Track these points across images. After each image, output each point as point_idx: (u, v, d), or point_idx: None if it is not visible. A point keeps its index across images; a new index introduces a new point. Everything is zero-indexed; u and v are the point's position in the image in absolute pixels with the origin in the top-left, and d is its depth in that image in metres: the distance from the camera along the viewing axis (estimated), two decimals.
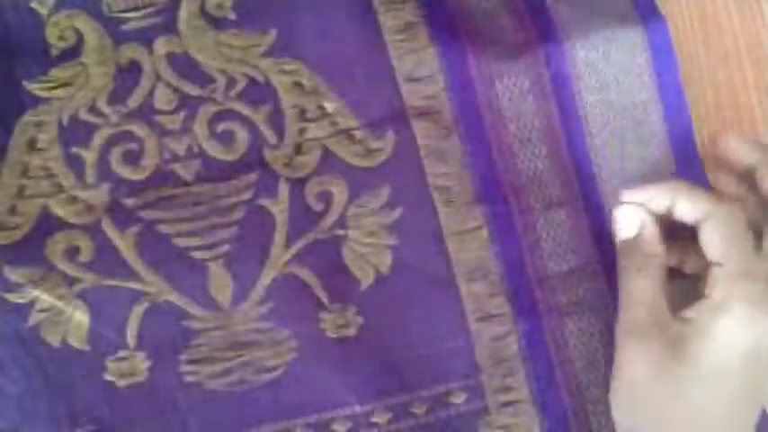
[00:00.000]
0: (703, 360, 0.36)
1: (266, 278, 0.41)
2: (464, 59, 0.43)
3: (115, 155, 0.42)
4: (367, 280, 0.42)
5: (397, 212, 0.42)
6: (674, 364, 0.36)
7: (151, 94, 0.42)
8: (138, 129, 0.42)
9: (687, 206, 0.38)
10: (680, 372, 0.36)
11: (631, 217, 0.40)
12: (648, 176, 0.43)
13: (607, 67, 0.43)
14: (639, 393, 0.37)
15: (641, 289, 0.38)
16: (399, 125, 0.43)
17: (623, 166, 0.44)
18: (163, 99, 0.42)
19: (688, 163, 0.44)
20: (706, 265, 0.37)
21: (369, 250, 0.42)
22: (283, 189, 0.42)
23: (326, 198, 0.42)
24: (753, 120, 0.46)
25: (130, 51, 0.42)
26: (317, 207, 0.42)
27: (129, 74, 0.42)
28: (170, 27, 0.42)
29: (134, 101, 0.42)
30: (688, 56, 0.45)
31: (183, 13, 0.42)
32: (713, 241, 0.37)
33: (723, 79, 0.46)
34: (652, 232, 0.39)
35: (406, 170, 0.43)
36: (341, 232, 0.42)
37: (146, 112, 0.42)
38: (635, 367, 0.37)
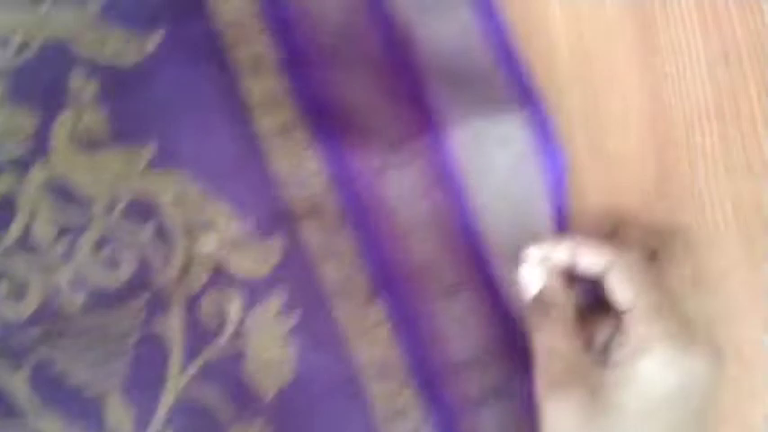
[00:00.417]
0: (629, 405, 0.36)
1: (165, 405, 0.40)
2: (345, 156, 0.42)
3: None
4: (270, 392, 0.41)
5: (294, 318, 0.42)
6: (600, 414, 0.36)
7: (29, 225, 0.40)
8: (18, 264, 0.40)
9: (587, 260, 0.39)
10: (607, 421, 0.36)
11: (533, 273, 0.40)
12: None
13: (489, 150, 0.43)
14: None
15: (552, 343, 0.38)
16: (286, 228, 0.42)
17: (516, 246, 0.43)
18: (41, 230, 0.40)
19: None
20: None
21: (269, 360, 0.41)
22: (175, 309, 0.41)
23: (221, 313, 0.41)
24: (753, 120, 0.46)
25: (5, 184, 0.41)
26: (213, 323, 0.41)
27: (5, 207, 0.41)
28: (44, 154, 0.41)
29: (12, 234, 0.40)
30: (688, 56, 0.46)
31: (56, 138, 0.41)
32: (620, 290, 0.38)
33: (723, 79, 0.46)
34: (553, 285, 0.40)
35: (299, 273, 0.42)
36: (239, 346, 0.41)
37: (25, 246, 0.40)
38: (561, 422, 0.37)
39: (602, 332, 0.40)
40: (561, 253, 0.40)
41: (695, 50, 0.47)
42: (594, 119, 0.47)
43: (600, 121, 0.47)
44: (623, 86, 0.47)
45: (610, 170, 0.47)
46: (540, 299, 0.40)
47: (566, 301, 0.40)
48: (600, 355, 0.39)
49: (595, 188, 0.45)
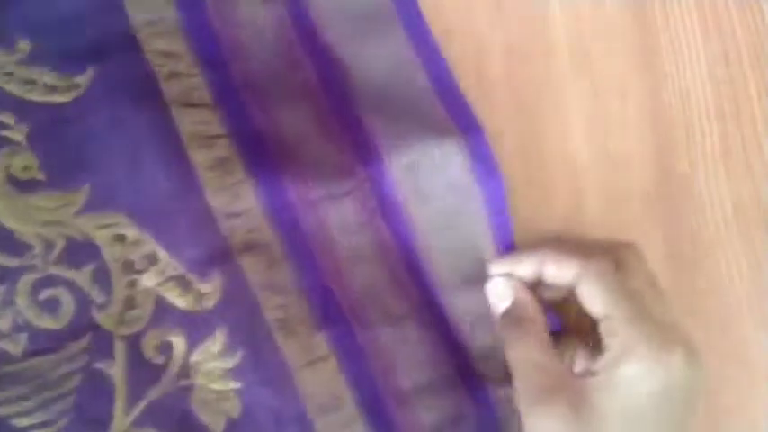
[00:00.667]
0: (613, 412, 0.36)
1: None
2: (282, 188, 0.41)
3: None
4: (218, 427, 0.41)
5: (239, 354, 0.41)
6: (585, 423, 0.36)
7: None
8: None
9: (555, 271, 0.39)
10: (593, 429, 0.35)
11: (501, 288, 0.40)
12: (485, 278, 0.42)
13: (428, 178, 0.42)
14: None
15: (528, 356, 0.38)
16: (225, 264, 0.41)
17: (460, 272, 0.43)
18: None
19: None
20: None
21: (216, 397, 0.41)
22: (119, 348, 0.41)
23: (166, 349, 0.41)
24: (753, 120, 0.47)
25: None
26: (158, 360, 0.41)
27: None
28: None
29: None
30: (688, 56, 0.47)
31: None
32: (593, 299, 0.38)
33: (723, 79, 0.47)
34: (524, 298, 0.40)
35: (241, 309, 0.41)
36: (186, 383, 0.41)
37: None
38: (547, 429, 0.36)
39: (568, 343, 0.41)
40: (527, 266, 0.40)
41: (695, 50, 0.47)
42: (594, 119, 0.46)
43: (600, 121, 0.46)
44: (623, 86, 0.47)
45: (610, 170, 0.46)
46: (510, 313, 0.40)
47: (537, 313, 0.40)
48: (572, 365, 0.39)
49: (595, 188, 0.45)
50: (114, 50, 0.42)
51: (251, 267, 0.42)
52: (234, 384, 0.41)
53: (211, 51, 0.42)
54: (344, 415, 0.42)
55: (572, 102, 0.46)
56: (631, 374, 0.36)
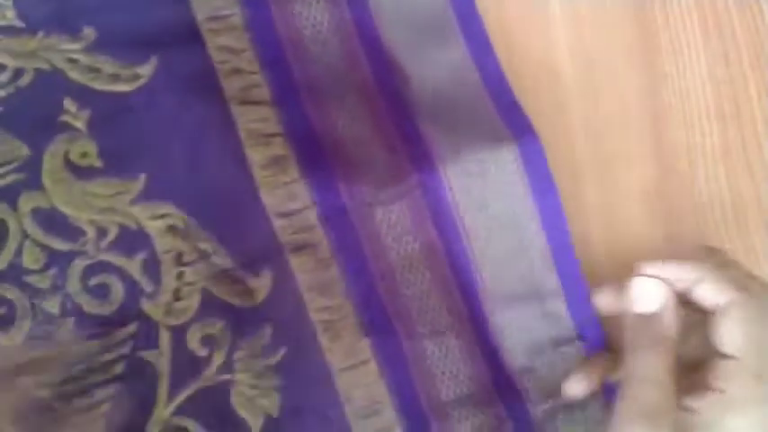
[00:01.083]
0: None
1: None
2: (336, 191, 0.42)
3: None
4: (257, 424, 0.41)
5: (282, 351, 0.41)
6: None
7: (18, 253, 0.40)
8: (8, 291, 0.40)
9: (712, 290, 0.36)
10: None
11: (652, 291, 0.38)
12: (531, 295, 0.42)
13: (483, 186, 0.42)
14: None
15: (654, 368, 0.36)
16: (275, 262, 0.42)
17: (507, 286, 0.43)
18: (31, 258, 0.40)
19: (568, 268, 0.43)
20: (706, 352, 0.36)
21: (256, 393, 0.41)
22: (164, 338, 0.41)
23: (210, 343, 0.41)
24: (753, 120, 0.47)
25: None
26: (201, 353, 0.41)
27: None
28: (34, 182, 0.41)
29: (1, 262, 0.40)
30: (688, 56, 0.46)
31: (47, 167, 0.41)
32: (733, 333, 0.35)
33: (723, 79, 0.46)
34: (670, 311, 0.37)
35: (287, 307, 0.42)
36: (227, 377, 0.41)
37: (14, 273, 0.41)
38: None
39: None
40: (684, 276, 0.37)
41: (695, 50, 0.47)
42: (594, 119, 0.46)
43: (600, 121, 0.47)
44: (623, 86, 0.47)
45: (610, 170, 0.46)
46: (651, 322, 0.37)
47: (675, 333, 0.37)
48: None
49: (596, 188, 0.45)
50: (177, 43, 0.42)
51: (299, 267, 0.42)
52: (275, 381, 0.42)
53: (273, 50, 0.43)
54: (383, 420, 0.42)
55: (572, 102, 0.46)
56: (737, 428, 0.34)
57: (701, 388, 0.35)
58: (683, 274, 0.37)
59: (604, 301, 0.40)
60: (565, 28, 0.47)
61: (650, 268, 0.38)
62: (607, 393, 0.42)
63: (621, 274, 0.43)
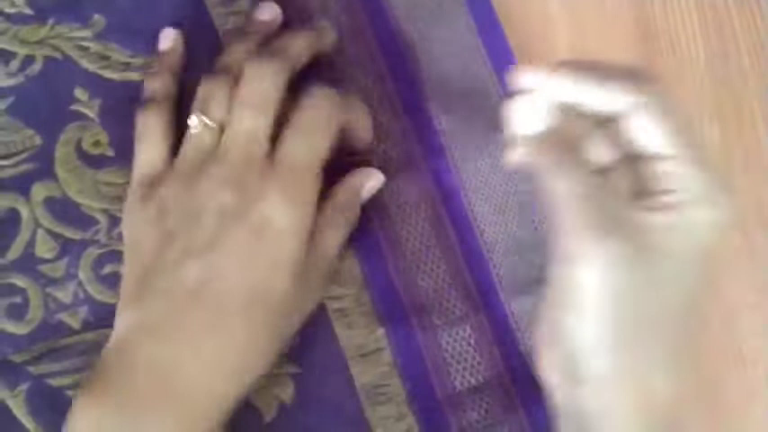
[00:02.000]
0: (677, 251, 0.32)
1: None
2: (373, 233, 0.43)
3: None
4: (270, 411, 0.41)
5: (296, 339, 0.41)
6: (647, 263, 0.31)
7: (31, 242, 0.40)
8: (20, 280, 0.40)
9: (601, 97, 0.32)
10: (656, 268, 0.31)
11: (534, 107, 0.34)
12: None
13: (490, 169, 0.43)
14: (617, 299, 0.32)
15: (572, 188, 0.32)
16: None
17: (520, 273, 0.43)
18: (44, 247, 0.40)
19: None
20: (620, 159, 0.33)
21: (270, 380, 0.41)
22: None
23: None
24: (753, 120, 0.47)
25: (7, 200, 0.40)
26: None
27: (7, 224, 0.41)
28: (46, 171, 0.41)
29: (14, 251, 0.40)
30: (688, 56, 0.46)
31: (59, 156, 0.41)
32: (654, 132, 0.32)
33: (723, 79, 0.46)
34: (563, 124, 0.33)
35: None
36: None
37: (27, 262, 0.40)
38: (603, 277, 0.31)
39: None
40: (565, 84, 0.33)
41: (695, 50, 0.47)
42: None
43: None
44: None
45: None
46: (548, 140, 0.33)
47: (580, 139, 0.33)
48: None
49: None
50: (188, 30, 0.42)
51: None
52: (289, 369, 0.42)
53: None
54: (395, 408, 0.42)
55: None
56: (705, 220, 0.31)
57: (638, 195, 0.32)
58: (562, 79, 0.33)
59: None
60: (565, 28, 0.47)
61: (520, 78, 0.34)
62: None
63: None
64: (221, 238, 0.35)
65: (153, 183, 0.38)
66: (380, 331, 0.42)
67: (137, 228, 0.38)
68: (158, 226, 0.37)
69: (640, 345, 0.32)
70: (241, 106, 0.37)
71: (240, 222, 0.35)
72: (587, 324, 0.32)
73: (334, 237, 0.39)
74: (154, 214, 0.37)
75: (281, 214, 0.35)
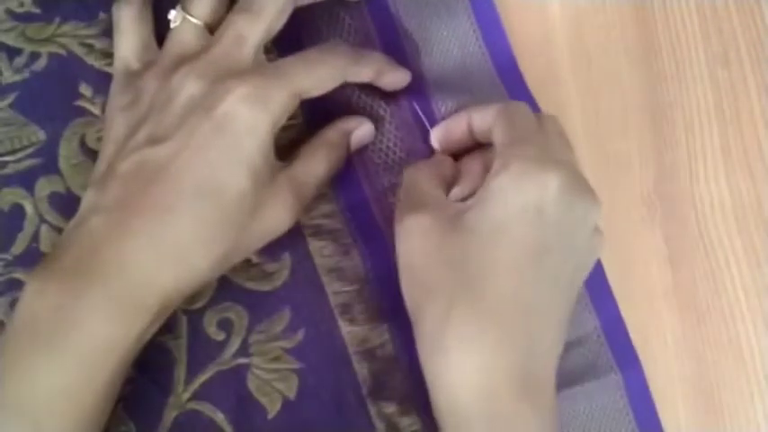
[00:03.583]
0: (480, 224, 0.35)
1: (168, 418, 0.40)
2: (357, 181, 0.43)
3: (2, 305, 0.40)
4: (274, 407, 0.41)
5: (300, 334, 0.42)
6: (452, 234, 0.35)
7: (35, 238, 0.40)
8: (25, 275, 0.40)
9: (479, 117, 0.39)
10: (459, 240, 0.35)
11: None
12: None
13: None
14: (419, 267, 0.36)
15: (417, 177, 0.39)
16: (296, 246, 0.42)
17: None
18: (48, 241, 0.40)
19: None
20: None
21: (274, 376, 0.41)
22: (181, 322, 0.41)
23: (227, 327, 0.41)
24: (753, 120, 0.47)
25: (12, 196, 0.40)
26: (218, 337, 0.41)
27: (11, 219, 0.41)
28: (51, 167, 0.41)
29: (18, 246, 0.40)
30: (688, 56, 0.47)
31: (63, 151, 0.41)
32: (497, 132, 0.38)
33: (723, 79, 0.46)
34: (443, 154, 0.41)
35: (306, 291, 0.42)
36: (244, 361, 0.41)
37: (31, 258, 0.40)
38: (409, 241, 0.37)
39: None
40: (460, 122, 0.41)
41: (695, 50, 0.47)
42: (594, 119, 0.47)
43: (600, 121, 0.47)
44: (623, 86, 0.47)
45: (610, 170, 0.47)
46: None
47: (448, 161, 0.41)
48: None
49: (595, 188, 0.44)
50: None
51: (318, 251, 0.42)
52: (293, 364, 0.42)
53: (289, 39, 0.43)
54: (399, 402, 0.42)
55: (572, 101, 0.47)
56: (501, 186, 0.35)
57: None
58: (457, 122, 0.41)
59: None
60: (565, 28, 0.47)
61: (433, 136, 0.42)
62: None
63: (622, 273, 0.45)
64: (183, 127, 0.35)
65: (134, 73, 0.39)
66: (384, 326, 0.42)
67: (112, 114, 0.39)
68: (131, 113, 0.38)
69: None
70: (238, 10, 0.38)
71: (204, 115, 0.35)
72: (404, 288, 0.38)
73: (311, 164, 0.40)
74: (128, 102, 0.38)
75: (245, 114, 0.35)
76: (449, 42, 0.44)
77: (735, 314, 0.46)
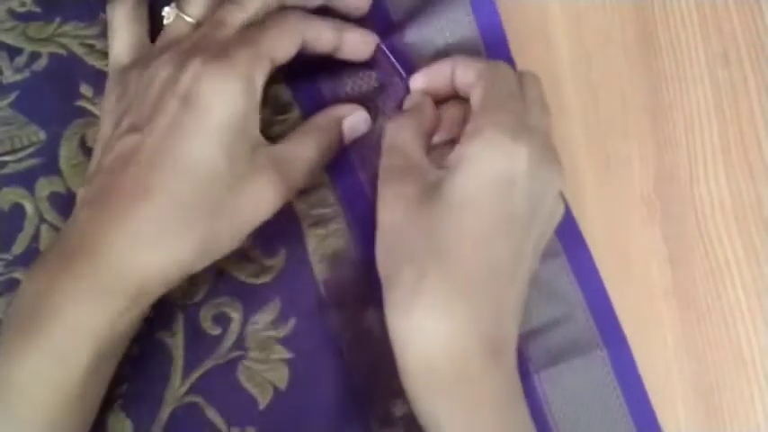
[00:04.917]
0: (454, 193, 0.36)
1: (165, 413, 0.40)
2: (353, 171, 0.43)
3: (2, 305, 0.40)
4: (265, 398, 0.41)
5: (291, 324, 0.41)
6: (428, 204, 0.36)
7: (35, 237, 0.40)
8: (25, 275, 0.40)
9: (462, 71, 0.39)
10: (434, 210, 0.36)
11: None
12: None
13: None
14: (396, 234, 0.37)
15: (399, 138, 0.39)
16: (292, 239, 0.42)
17: None
18: (48, 241, 0.41)
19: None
20: None
21: (265, 367, 0.41)
22: (178, 318, 0.41)
23: (222, 321, 0.41)
24: (753, 120, 0.47)
25: (12, 195, 0.41)
26: (214, 332, 0.41)
27: (11, 219, 0.41)
28: (51, 167, 0.41)
29: (18, 246, 0.40)
30: (688, 56, 0.47)
31: (63, 151, 0.41)
32: (476, 93, 0.38)
33: (723, 79, 0.46)
34: (424, 95, 0.41)
35: (298, 280, 0.42)
36: (239, 353, 0.41)
37: (31, 257, 0.40)
38: (390, 209, 0.37)
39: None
40: (443, 71, 0.40)
41: (695, 50, 0.47)
42: (594, 119, 0.47)
43: (600, 121, 0.47)
44: (623, 86, 0.47)
45: (610, 170, 0.47)
46: (407, 103, 0.41)
47: (429, 110, 0.41)
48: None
49: (595, 188, 0.45)
50: None
51: (314, 240, 0.42)
52: (283, 354, 0.41)
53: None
54: (390, 390, 0.42)
55: (572, 101, 0.47)
56: (473, 154, 0.36)
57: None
58: (440, 70, 0.41)
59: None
60: (565, 28, 0.47)
61: (413, 81, 0.42)
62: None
63: (621, 272, 0.45)
64: (158, 108, 0.36)
65: (125, 69, 0.39)
66: (375, 315, 0.42)
67: (103, 110, 0.39)
68: (118, 106, 0.38)
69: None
70: (226, 2, 0.38)
71: (171, 94, 0.35)
72: (380, 255, 0.38)
73: (298, 145, 0.39)
74: (117, 96, 0.38)
75: (208, 81, 0.35)
76: (443, 35, 0.44)
77: (735, 314, 0.46)
